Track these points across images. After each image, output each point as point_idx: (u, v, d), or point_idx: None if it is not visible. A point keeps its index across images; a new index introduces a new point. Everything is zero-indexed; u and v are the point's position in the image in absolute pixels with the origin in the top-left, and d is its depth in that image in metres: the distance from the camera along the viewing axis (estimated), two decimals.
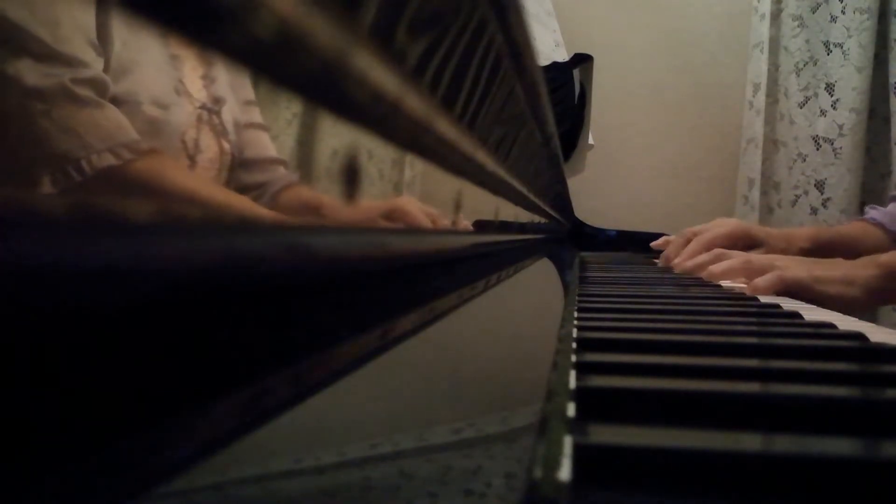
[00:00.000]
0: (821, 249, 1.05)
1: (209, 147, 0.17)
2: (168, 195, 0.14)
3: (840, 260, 0.89)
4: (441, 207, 0.37)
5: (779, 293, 0.77)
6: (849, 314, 0.83)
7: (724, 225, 1.10)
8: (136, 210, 0.13)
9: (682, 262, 0.98)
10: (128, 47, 0.14)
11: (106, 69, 0.14)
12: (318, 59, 0.17)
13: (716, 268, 0.88)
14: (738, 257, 0.89)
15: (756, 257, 0.90)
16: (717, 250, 0.95)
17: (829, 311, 0.64)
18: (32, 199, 0.11)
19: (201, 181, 0.17)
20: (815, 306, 0.69)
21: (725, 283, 0.84)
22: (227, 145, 0.18)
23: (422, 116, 0.27)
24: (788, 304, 0.64)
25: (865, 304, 0.84)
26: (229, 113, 0.18)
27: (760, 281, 0.77)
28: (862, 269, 0.85)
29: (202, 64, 0.17)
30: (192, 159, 0.17)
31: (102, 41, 0.14)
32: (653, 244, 1.22)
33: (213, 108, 0.18)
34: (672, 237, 1.17)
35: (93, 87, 0.14)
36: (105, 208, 0.12)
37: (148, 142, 0.15)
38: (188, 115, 0.17)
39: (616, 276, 0.86)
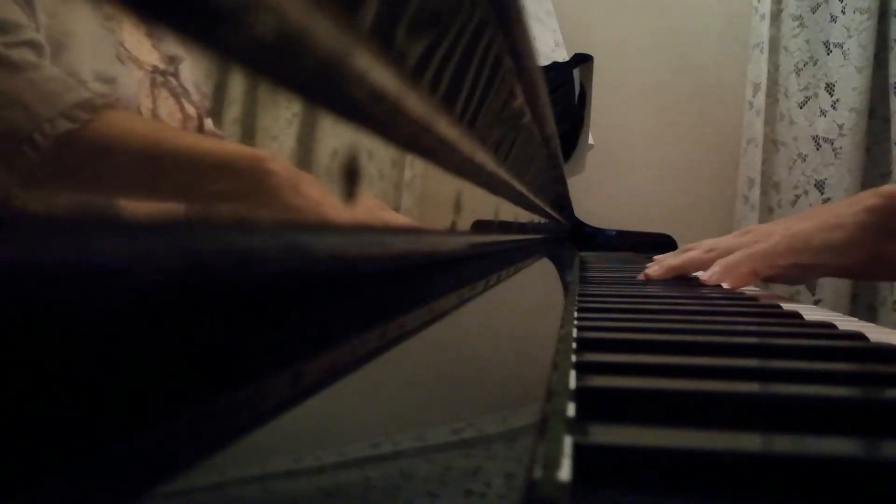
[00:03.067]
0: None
1: (171, 113, 0.16)
2: (136, 152, 0.13)
3: (819, 206, 0.81)
4: (441, 207, 0.37)
5: (754, 272, 0.70)
6: (843, 272, 0.73)
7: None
8: (134, 209, 0.13)
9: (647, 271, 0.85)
10: (55, 18, 0.12)
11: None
12: (318, 59, 0.17)
13: (674, 260, 0.80)
14: (701, 248, 0.81)
15: (721, 241, 0.80)
16: (687, 246, 0.86)
17: (829, 311, 0.64)
18: (22, 196, 0.11)
19: (167, 129, 0.16)
20: (815, 306, 0.68)
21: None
22: (190, 107, 0.16)
23: (422, 116, 0.27)
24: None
25: (867, 249, 0.70)
26: (189, 70, 0.16)
27: (730, 259, 0.68)
28: (851, 206, 0.72)
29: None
30: None
31: (30, 8, 0.12)
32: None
33: (167, 69, 0.16)
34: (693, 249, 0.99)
35: (31, 49, 0.12)
36: (100, 206, 0.12)
37: (100, 97, 0.13)
38: (139, 83, 0.15)
39: (616, 276, 0.86)
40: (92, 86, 0.13)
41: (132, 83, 0.15)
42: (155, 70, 0.15)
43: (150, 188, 0.13)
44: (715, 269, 0.72)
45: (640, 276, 0.84)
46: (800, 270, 0.73)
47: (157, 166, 0.13)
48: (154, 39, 0.14)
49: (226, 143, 0.16)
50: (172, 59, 0.16)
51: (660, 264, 0.83)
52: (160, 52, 0.15)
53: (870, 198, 0.71)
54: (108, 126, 0.13)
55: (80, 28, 0.13)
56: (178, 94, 0.16)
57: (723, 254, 0.75)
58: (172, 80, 0.16)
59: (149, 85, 0.15)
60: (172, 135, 0.15)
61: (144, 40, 0.14)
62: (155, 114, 0.15)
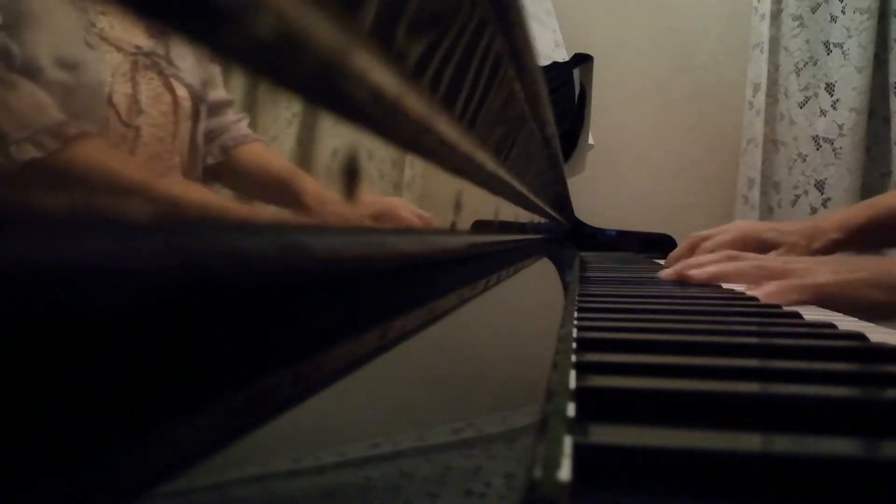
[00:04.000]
0: (860, 234, 0.84)
1: (158, 98, 0.14)
2: (105, 188, 0.12)
3: (870, 257, 0.77)
4: (441, 207, 0.37)
5: (794, 303, 0.68)
6: (880, 320, 0.75)
7: (729, 230, 0.95)
8: (133, 208, 0.13)
9: (682, 269, 0.83)
10: (18, 8, 0.11)
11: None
12: (318, 59, 0.17)
13: (718, 269, 0.77)
14: (749, 260, 0.78)
15: (770, 260, 0.78)
16: (728, 252, 0.83)
17: (829, 311, 0.64)
18: (22, 197, 0.11)
19: (148, 172, 0.14)
20: (815, 306, 0.68)
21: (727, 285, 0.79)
22: (183, 90, 0.14)
23: (422, 116, 0.27)
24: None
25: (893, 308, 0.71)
26: (182, 49, 0.14)
27: (772, 287, 0.67)
28: (891, 265, 0.73)
29: None
30: (129, 125, 0.13)
31: None
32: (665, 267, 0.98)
33: (154, 50, 0.14)
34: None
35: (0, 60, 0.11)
36: (98, 206, 0.12)
37: (68, 119, 0.11)
38: (113, 69, 0.13)
39: (616, 276, 0.86)
40: (52, 73, 0.12)
41: (101, 69, 0.13)
42: (138, 51, 0.14)
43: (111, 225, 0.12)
44: (771, 288, 0.69)
45: (665, 276, 0.81)
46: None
47: (124, 204, 0.12)
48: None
49: (202, 194, 0.15)
50: (161, 38, 0.14)
51: (703, 269, 0.79)
52: (145, 29, 0.14)
53: None
54: (78, 159, 0.12)
55: (40, 6, 0.11)
56: (168, 76, 0.14)
57: (775, 275, 0.73)
58: (161, 61, 0.14)
59: (129, 69, 0.14)
60: (148, 176, 0.14)
61: (125, 18, 0.13)
62: (134, 102, 0.14)
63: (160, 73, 0.14)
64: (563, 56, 1.40)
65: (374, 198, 0.25)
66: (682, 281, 0.80)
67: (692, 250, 0.92)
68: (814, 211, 1.87)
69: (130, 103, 0.13)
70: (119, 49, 0.13)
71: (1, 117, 0.10)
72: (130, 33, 0.13)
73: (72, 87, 0.12)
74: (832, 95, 1.86)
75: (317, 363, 0.18)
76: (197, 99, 0.15)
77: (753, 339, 0.40)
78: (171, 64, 0.14)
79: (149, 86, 0.14)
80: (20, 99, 0.11)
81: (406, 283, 0.31)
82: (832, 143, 1.85)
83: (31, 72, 0.11)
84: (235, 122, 0.16)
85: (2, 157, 0.10)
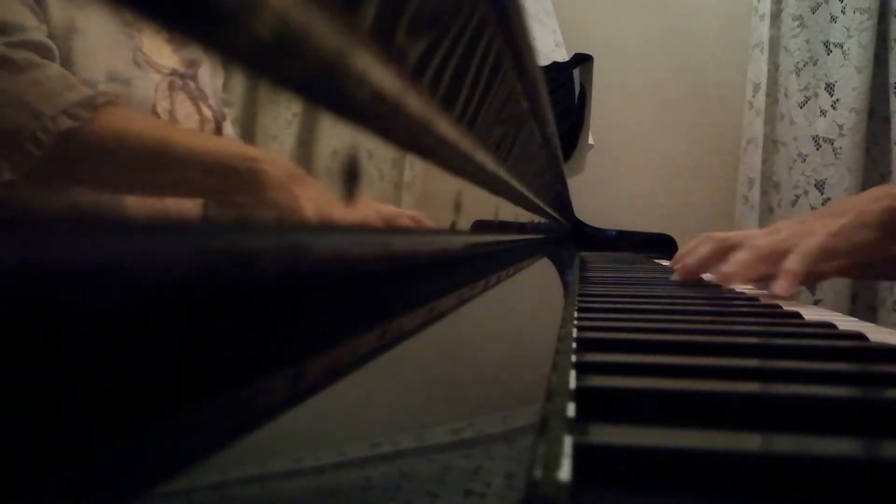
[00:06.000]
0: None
1: (188, 116, 0.16)
2: (136, 148, 0.13)
3: (846, 200, 0.77)
4: (441, 207, 0.37)
5: (814, 274, 0.69)
6: (863, 271, 0.72)
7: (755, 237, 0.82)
8: (132, 208, 0.13)
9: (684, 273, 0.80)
10: (68, 20, 0.12)
11: (52, 38, 0.12)
12: (318, 59, 0.17)
13: (727, 268, 0.76)
14: (746, 248, 0.76)
15: (765, 243, 0.77)
16: (717, 235, 0.82)
17: (829, 311, 0.64)
18: (25, 195, 0.11)
19: (166, 126, 0.15)
20: (815, 306, 0.68)
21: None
22: (207, 111, 0.16)
23: (422, 116, 0.27)
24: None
25: (887, 250, 0.72)
26: (207, 75, 0.16)
27: (791, 265, 0.68)
28: (874, 203, 0.73)
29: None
30: None
31: (42, 9, 0.12)
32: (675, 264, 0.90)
33: (186, 72, 0.16)
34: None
35: (33, 50, 0.12)
36: (99, 206, 0.12)
37: (101, 94, 0.13)
38: (155, 86, 0.15)
39: (616, 276, 0.86)
40: (106, 85, 0.13)
41: (148, 86, 0.15)
42: (174, 73, 0.15)
43: (148, 183, 0.13)
44: (781, 282, 0.70)
45: (678, 277, 0.80)
46: (837, 270, 0.74)
47: (155, 162, 0.13)
48: (174, 45, 0.15)
49: (223, 143, 0.16)
50: (192, 63, 0.16)
51: (723, 274, 0.77)
52: (180, 55, 0.15)
53: (885, 199, 0.73)
54: (109, 123, 0.13)
55: (94, 30, 0.13)
56: (196, 98, 0.16)
57: (772, 255, 0.74)
58: (191, 83, 0.16)
59: (167, 88, 0.15)
60: (171, 132, 0.15)
61: (164, 46, 0.14)
62: (172, 115, 0.15)
63: (189, 94, 0.16)
64: (563, 56, 1.40)
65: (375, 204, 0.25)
66: (682, 281, 0.80)
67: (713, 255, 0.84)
68: (814, 211, 1.87)
69: (168, 116, 0.15)
70: (158, 71, 0.15)
71: (36, 97, 0.11)
72: (168, 57, 0.15)
73: (124, 98, 0.14)
74: (832, 95, 1.86)
75: (317, 363, 0.18)
76: (219, 119, 0.16)
77: (753, 339, 0.40)
78: (199, 88, 0.16)
79: (182, 105, 0.16)
80: (52, 80, 0.12)
81: (406, 283, 0.31)
82: (832, 143, 1.85)
83: (86, 83, 0.13)
84: None
85: (40, 132, 0.11)
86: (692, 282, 0.80)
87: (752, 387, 0.29)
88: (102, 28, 0.13)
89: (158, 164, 0.14)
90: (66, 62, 0.12)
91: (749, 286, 0.82)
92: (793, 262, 0.70)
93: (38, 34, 0.12)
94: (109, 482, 0.10)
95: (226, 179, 0.16)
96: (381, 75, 0.21)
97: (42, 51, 0.12)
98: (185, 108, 0.16)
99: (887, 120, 1.85)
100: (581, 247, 1.61)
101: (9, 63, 0.11)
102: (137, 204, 0.13)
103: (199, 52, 0.16)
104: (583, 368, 0.29)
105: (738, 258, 0.76)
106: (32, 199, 0.10)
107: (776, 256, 0.73)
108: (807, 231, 0.75)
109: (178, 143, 0.15)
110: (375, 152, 0.25)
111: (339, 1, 0.18)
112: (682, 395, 0.26)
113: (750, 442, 0.21)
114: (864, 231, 0.72)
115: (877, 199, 0.74)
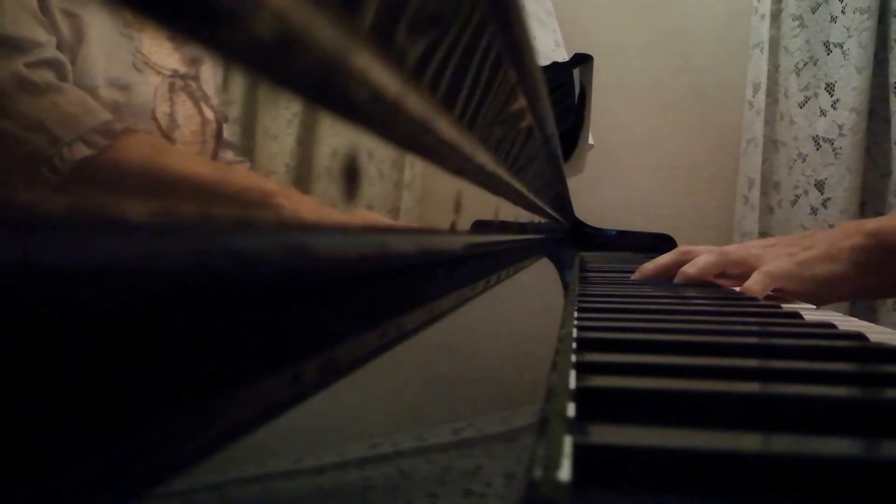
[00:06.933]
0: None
1: (190, 118, 0.15)
2: (153, 179, 0.13)
3: (817, 232, 0.80)
4: (441, 207, 0.37)
5: (767, 290, 0.72)
6: (836, 298, 0.78)
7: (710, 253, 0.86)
8: (133, 207, 0.13)
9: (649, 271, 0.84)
10: (71, 23, 0.12)
11: (59, 49, 0.12)
12: (318, 59, 0.17)
13: (689, 268, 0.79)
14: (710, 252, 0.81)
15: (732, 249, 0.81)
16: (683, 247, 0.85)
17: (829, 311, 0.64)
18: (27, 198, 0.11)
19: (186, 156, 0.15)
20: (813, 306, 0.69)
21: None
22: (209, 112, 0.16)
23: (422, 116, 0.27)
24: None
25: (854, 283, 0.75)
26: (210, 74, 0.16)
27: (752, 284, 0.72)
28: (845, 240, 0.75)
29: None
30: (168, 138, 0.15)
31: (48, 17, 0.12)
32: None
33: (187, 72, 0.15)
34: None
35: (52, 70, 0.12)
36: (99, 206, 0.12)
37: (120, 121, 0.13)
38: (155, 90, 0.15)
39: (616, 276, 0.86)
40: (106, 92, 0.13)
41: (148, 90, 0.15)
42: (174, 74, 0.15)
43: (161, 212, 0.13)
44: (753, 287, 0.73)
45: (637, 276, 0.84)
46: (795, 295, 0.76)
47: (171, 193, 0.13)
48: (174, 43, 0.14)
49: (241, 175, 0.16)
50: (193, 62, 0.16)
51: (685, 275, 0.81)
52: (182, 54, 0.15)
53: (857, 236, 0.76)
54: (125, 151, 0.13)
55: (95, 34, 0.13)
56: (198, 99, 0.16)
57: (738, 265, 0.78)
58: (192, 83, 0.16)
59: (167, 90, 0.15)
60: (188, 163, 0.15)
61: (164, 44, 0.14)
62: (172, 118, 0.15)
63: (191, 95, 0.16)
64: (563, 56, 1.40)
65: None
66: (682, 281, 0.81)
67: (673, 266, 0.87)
68: (814, 211, 1.87)
69: (169, 119, 0.15)
70: (158, 72, 0.15)
71: (54, 121, 0.11)
72: (168, 57, 0.15)
73: (123, 105, 0.14)
74: (832, 95, 1.86)
75: (317, 363, 0.18)
76: (221, 120, 0.16)
77: (753, 339, 0.40)
78: (200, 88, 0.16)
79: (183, 106, 0.15)
80: (71, 104, 0.12)
81: (406, 283, 0.31)
82: (832, 143, 1.85)
83: (84, 89, 0.13)
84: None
85: (56, 159, 0.11)
86: (692, 282, 0.80)
87: (752, 387, 0.29)
88: (102, 33, 0.13)
89: (174, 196, 0.14)
90: (69, 70, 0.12)
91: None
92: (755, 282, 0.73)
93: (51, 49, 0.12)
94: (109, 482, 0.10)
95: (241, 210, 0.16)
96: (380, 75, 0.21)
97: (58, 68, 0.12)
98: (185, 109, 0.15)
99: (887, 120, 1.85)
100: (581, 247, 1.61)
101: (30, 85, 0.11)
102: (135, 204, 0.13)
103: (199, 51, 0.15)
104: (583, 368, 0.29)
105: (701, 261, 0.81)
106: (32, 200, 0.10)
107: (737, 267, 0.78)
108: (774, 254, 0.79)
109: (195, 174, 0.15)
110: (375, 152, 0.25)
111: (339, 1, 0.18)
112: (681, 395, 0.26)
113: (750, 442, 0.21)
114: (834, 265, 0.75)
115: (850, 235, 0.76)
